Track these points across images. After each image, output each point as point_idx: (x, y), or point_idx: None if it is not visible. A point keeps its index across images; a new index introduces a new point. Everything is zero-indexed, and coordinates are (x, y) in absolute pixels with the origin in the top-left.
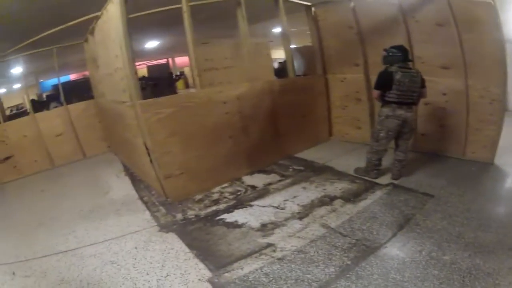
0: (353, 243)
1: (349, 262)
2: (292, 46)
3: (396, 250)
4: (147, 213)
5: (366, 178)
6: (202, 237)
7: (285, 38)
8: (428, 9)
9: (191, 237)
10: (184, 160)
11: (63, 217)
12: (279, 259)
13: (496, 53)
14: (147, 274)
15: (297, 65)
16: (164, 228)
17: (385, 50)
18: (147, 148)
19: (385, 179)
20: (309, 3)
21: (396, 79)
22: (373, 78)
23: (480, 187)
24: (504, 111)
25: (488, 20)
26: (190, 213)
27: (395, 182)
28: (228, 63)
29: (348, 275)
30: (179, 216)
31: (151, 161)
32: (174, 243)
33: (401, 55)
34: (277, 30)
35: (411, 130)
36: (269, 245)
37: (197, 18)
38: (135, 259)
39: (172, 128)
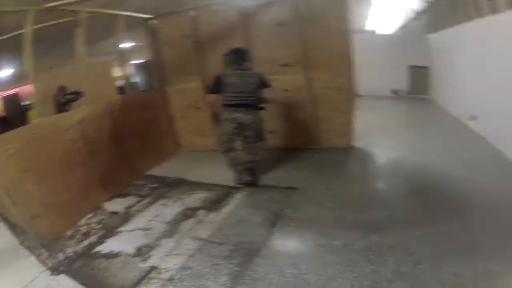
0: (232, 249)
1: (237, 268)
2: (137, 61)
3: (279, 247)
4: (33, 258)
5: (243, 183)
6: (90, 273)
7: (121, 55)
8: (270, 10)
9: (80, 275)
10: (43, 196)
11: None
12: (168, 280)
13: (341, 44)
14: None
15: (142, 80)
16: (54, 270)
17: (223, 55)
18: (5, 190)
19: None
20: (149, 16)
21: (229, 82)
22: None
23: (344, 171)
24: (353, 97)
25: (335, 13)
26: (69, 251)
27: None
28: (76, 86)
29: (243, 281)
30: (61, 256)
31: (13, 203)
32: (69, 285)
33: (233, 57)
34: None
35: (254, 133)
36: (152, 268)
37: (49, 41)
38: None
39: (25, 163)
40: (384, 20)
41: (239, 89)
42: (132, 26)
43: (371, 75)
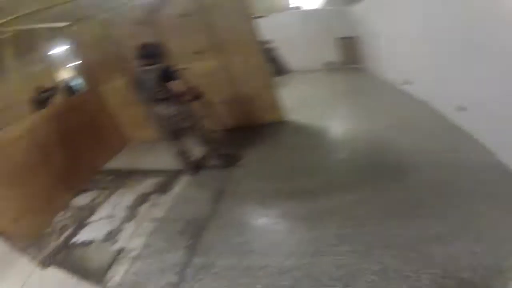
0: (184, 225)
1: (191, 242)
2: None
3: (224, 219)
4: (23, 258)
5: (190, 173)
6: (73, 261)
7: (49, 64)
8: (173, 4)
9: (65, 264)
10: (17, 201)
11: None
12: (135, 257)
13: (247, 27)
14: None
15: (81, 82)
16: (44, 264)
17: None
18: None
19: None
20: (66, 23)
21: (138, 79)
22: None
23: (281, 144)
24: (271, 75)
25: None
26: (52, 245)
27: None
28: (18, 97)
29: (198, 252)
30: (46, 251)
31: None
32: (59, 275)
33: (139, 54)
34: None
35: (187, 124)
36: (121, 249)
37: None
38: None
39: None
40: None
41: (146, 86)
42: (56, 34)
43: (302, 50)
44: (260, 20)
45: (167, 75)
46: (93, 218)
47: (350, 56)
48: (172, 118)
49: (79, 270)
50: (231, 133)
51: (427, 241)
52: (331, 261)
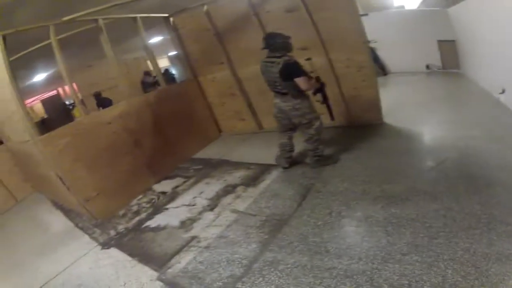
0: (264, 220)
1: (266, 237)
2: (171, 53)
3: (306, 217)
4: (86, 236)
5: (283, 166)
6: (137, 245)
7: (149, 52)
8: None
9: (128, 247)
10: (94, 181)
11: (24, 260)
12: (206, 247)
13: (352, 25)
14: (109, 287)
15: (178, 71)
16: (105, 245)
17: None
18: (60, 179)
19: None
20: (166, 14)
21: (260, 69)
22: (240, 72)
23: (373, 146)
24: (374, 75)
25: None
26: (120, 228)
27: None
28: (113, 83)
29: (270, 248)
30: (112, 232)
31: (68, 189)
32: (118, 256)
33: (263, 44)
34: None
35: (298, 120)
36: (193, 238)
37: (79, 44)
38: (95, 277)
39: (74, 155)
40: None
41: (266, 78)
42: (154, 23)
43: (403, 51)
44: (363, 18)
45: (292, 70)
46: (173, 204)
47: (450, 60)
48: (289, 112)
49: (142, 254)
50: (331, 131)
51: (489, 258)
52: (396, 269)
